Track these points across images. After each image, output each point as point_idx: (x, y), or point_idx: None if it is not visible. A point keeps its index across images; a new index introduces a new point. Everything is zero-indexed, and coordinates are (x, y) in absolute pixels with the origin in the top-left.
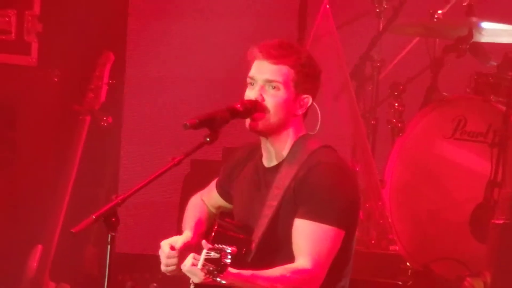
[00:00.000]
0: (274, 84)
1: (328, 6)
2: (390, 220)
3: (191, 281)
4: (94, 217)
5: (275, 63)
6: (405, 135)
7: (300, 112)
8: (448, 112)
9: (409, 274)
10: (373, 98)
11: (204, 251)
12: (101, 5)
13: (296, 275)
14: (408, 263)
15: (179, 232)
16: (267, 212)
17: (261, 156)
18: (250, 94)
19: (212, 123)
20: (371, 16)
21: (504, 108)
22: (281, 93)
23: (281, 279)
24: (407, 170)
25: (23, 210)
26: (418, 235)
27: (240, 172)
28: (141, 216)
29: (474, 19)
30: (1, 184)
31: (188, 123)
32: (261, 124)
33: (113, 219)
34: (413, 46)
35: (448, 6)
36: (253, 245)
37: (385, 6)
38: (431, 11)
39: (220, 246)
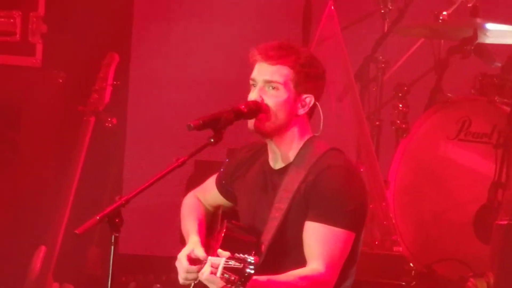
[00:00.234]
0: (273, 84)
1: (332, 8)
2: (394, 221)
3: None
4: (98, 218)
5: (273, 64)
6: (409, 136)
7: (302, 112)
8: (453, 113)
9: (412, 274)
10: (378, 99)
11: (223, 260)
12: (105, 6)
13: (310, 279)
14: (411, 264)
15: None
16: (276, 215)
17: (267, 157)
18: (251, 95)
19: (216, 124)
20: (376, 18)
21: (508, 109)
22: (281, 94)
23: (296, 283)
24: (411, 171)
25: (26, 211)
26: (421, 236)
27: (245, 172)
28: (145, 217)
29: (478, 20)
30: (6, 184)
31: (192, 124)
32: (262, 125)
33: (117, 220)
34: (418, 48)
35: (453, 7)
36: (263, 248)
37: (390, 8)
38: (435, 13)
39: (241, 256)
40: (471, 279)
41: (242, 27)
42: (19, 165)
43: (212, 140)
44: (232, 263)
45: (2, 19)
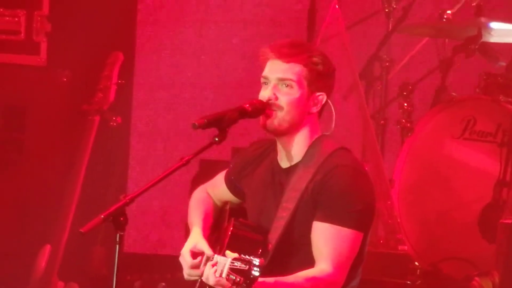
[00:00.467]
0: (287, 82)
1: (337, 7)
2: (398, 220)
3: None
4: (102, 216)
5: (287, 62)
6: (414, 135)
7: (315, 110)
8: (457, 112)
9: (417, 273)
10: (382, 98)
11: (229, 260)
12: (110, 5)
13: (318, 280)
14: (416, 263)
15: (187, 232)
16: (283, 214)
17: (276, 155)
18: (264, 93)
19: (220, 123)
20: (380, 17)
21: None
22: (295, 91)
23: (304, 284)
24: (416, 170)
25: (31, 210)
26: (426, 235)
27: (254, 169)
28: (150, 215)
29: (483, 20)
30: (11, 184)
31: (196, 123)
32: (274, 122)
33: (122, 219)
34: (422, 47)
35: (457, 6)
36: (270, 247)
37: (394, 7)
38: (440, 12)
39: (247, 257)
40: (476, 278)
41: (246, 27)
42: (23, 164)
43: (216, 139)
44: (238, 264)
45: (7, 18)
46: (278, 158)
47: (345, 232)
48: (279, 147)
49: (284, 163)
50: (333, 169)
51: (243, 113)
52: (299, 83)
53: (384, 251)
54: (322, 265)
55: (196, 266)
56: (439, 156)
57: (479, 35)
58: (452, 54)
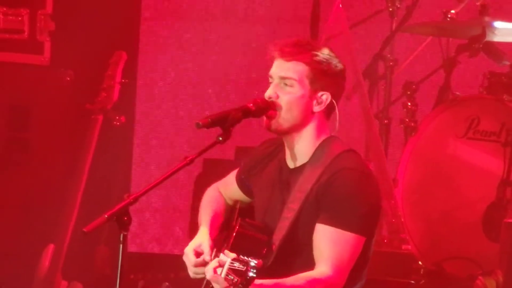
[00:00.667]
0: (287, 81)
1: (340, 6)
2: (402, 219)
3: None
4: (106, 216)
5: (289, 60)
6: (417, 134)
7: (318, 109)
8: (461, 111)
9: (421, 273)
10: (386, 98)
11: (228, 260)
12: (113, 4)
13: (317, 282)
14: (420, 262)
15: (191, 231)
16: (288, 215)
17: (284, 155)
18: (268, 91)
19: (224, 122)
20: (384, 16)
21: None
22: (295, 90)
23: (302, 286)
24: (420, 170)
25: (35, 209)
26: (430, 234)
27: (263, 168)
28: (153, 215)
29: (487, 19)
30: (14, 183)
31: (200, 122)
32: (275, 122)
33: (125, 218)
34: (426, 46)
35: (461, 5)
36: (274, 248)
37: (398, 6)
38: (444, 11)
39: (245, 258)
40: (480, 277)
41: (250, 26)
42: (27, 164)
43: (220, 139)
44: (237, 265)
45: (10, 17)
46: (286, 157)
47: (347, 235)
48: (286, 146)
49: (291, 163)
50: (338, 171)
51: (246, 113)
52: (300, 82)
53: (388, 250)
54: (322, 268)
55: (199, 265)
56: (443, 156)
57: (483, 34)
58: (456, 53)
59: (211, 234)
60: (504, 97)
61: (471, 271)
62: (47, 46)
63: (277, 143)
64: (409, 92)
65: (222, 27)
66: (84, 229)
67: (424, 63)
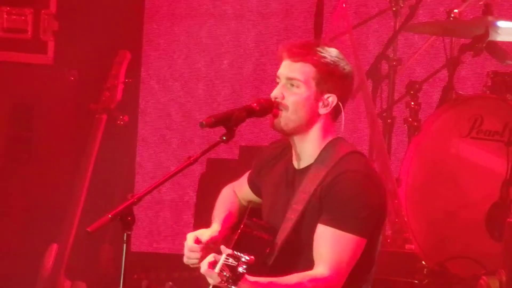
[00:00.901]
0: (294, 82)
1: (344, 5)
2: (406, 219)
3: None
4: (110, 216)
5: (296, 61)
6: (421, 134)
7: (324, 111)
8: (464, 111)
9: (424, 272)
10: (389, 97)
11: (223, 256)
12: (117, 4)
13: (314, 282)
14: (423, 262)
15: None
16: (292, 216)
17: (291, 156)
18: (273, 92)
19: (228, 122)
20: (388, 15)
21: None
22: (301, 91)
23: (299, 286)
24: (423, 169)
25: (39, 209)
26: (433, 234)
27: (271, 169)
28: (157, 215)
29: (490, 18)
30: (18, 183)
31: (204, 122)
32: (280, 122)
33: (129, 218)
34: (429, 45)
35: (464, 5)
36: (276, 248)
37: (402, 5)
38: (447, 10)
39: (238, 253)
40: (484, 277)
41: (253, 25)
42: (31, 163)
43: (224, 138)
44: (231, 260)
45: (14, 17)
46: (293, 158)
47: (347, 237)
48: (293, 147)
49: (297, 164)
50: (342, 173)
51: (250, 112)
52: (306, 83)
53: (391, 250)
54: (320, 268)
55: (194, 250)
56: (446, 155)
57: (487, 33)
58: (459, 52)
59: (221, 232)
60: (508, 96)
61: (474, 270)
62: (51, 45)
63: (285, 144)
64: (412, 92)
65: (226, 27)
66: (88, 229)
67: (428, 62)
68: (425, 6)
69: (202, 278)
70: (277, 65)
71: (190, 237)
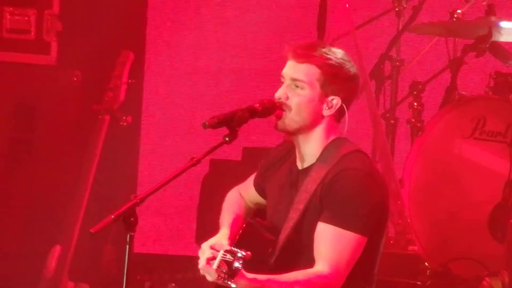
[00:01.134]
0: (298, 83)
1: (347, 6)
2: (409, 220)
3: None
4: (112, 217)
5: (301, 62)
6: (424, 134)
7: (328, 113)
8: (467, 111)
9: (427, 274)
10: (393, 98)
11: (221, 252)
12: (120, 4)
13: (312, 280)
14: (426, 263)
15: (198, 232)
16: (293, 215)
17: (295, 157)
18: (278, 91)
19: (231, 123)
20: (391, 16)
21: None
22: (305, 93)
23: (297, 283)
24: (426, 170)
25: (42, 210)
26: (436, 235)
27: (276, 170)
28: (160, 216)
29: (493, 19)
30: (21, 184)
31: (207, 122)
32: (283, 122)
33: (132, 219)
34: (433, 46)
35: (468, 5)
36: (277, 247)
37: (405, 6)
38: (450, 11)
39: (234, 249)
40: (486, 278)
41: (257, 26)
42: (33, 164)
43: (227, 139)
44: (228, 256)
45: (17, 17)
46: (297, 159)
47: (348, 235)
48: (296, 148)
49: (300, 164)
50: (342, 171)
51: (253, 113)
52: (310, 84)
53: (394, 251)
54: (320, 266)
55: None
56: (449, 156)
57: (490, 34)
58: (462, 53)
59: (231, 236)
60: (511, 97)
61: (477, 272)
62: (54, 46)
63: (290, 145)
64: (415, 92)
65: (229, 27)
66: (91, 230)
67: (431, 63)
68: (428, 7)
69: (205, 279)
70: (282, 66)
71: (207, 247)
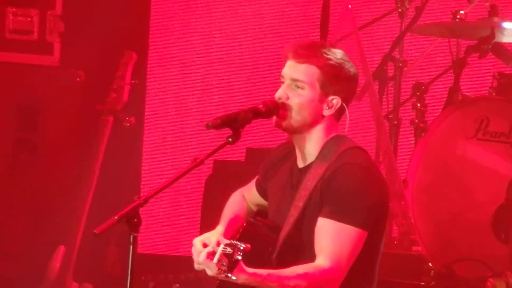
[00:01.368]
0: (298, 83)
1: (350, 7)
2: (412, 221)
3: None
4: (116, 217)
5: (301, 63)
6: (427, 135)
7: (328, 113)
8: (471, 112)
9: (431, 274)
10: (396, 99)
11: (221, 246)
12: (123, 4)
13: (313, 274)
14: (430, 264)
15: (202, 232)
16: (294, 212)
17: (296, 157)
18: (278, 92)
19: (234, 123)
20: (394, 17)
21: None
22: (306, 93)
23: (298, 278)
24: (430, 171)
25: (45, 210)
26: (440, 236)
27: (276, 171)
28: (164, 216)
29: (496, 20)
30: (24, 184)
31: (210, 123)
32: (284, 122)
33: (136, 220)
34: (435, 47)
35: (470, 6)
36: (278, 244)
37: (407, 7)
38: (453, 12)
39: (234, 242)
40: (490, 279)
41: (260, 26)
42: (37, 165)
43: (230, 140)
44: (228, 249)
45: (20, 18)
46: (297, 159)
47: (348, 229)
48: (296, 147)
49: (301, 163)
50: (341, 166)
51: (256, 114)
52: (311, 85)
53: (398, 252)
54: (320, 261)
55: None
56: (453, 157)
57: (492, 35)
58: (465, 54)
59: (226, 233)
60: None
61: (481, 272)
62: (57, 47)
63: (291, 145)
64: (418, 93)
65: (233, 28)
66: (95, 231)
67: (434, 64)
68: (431, 8)
69: (208, 280)
70: (283, 66)
71: (198, 242)
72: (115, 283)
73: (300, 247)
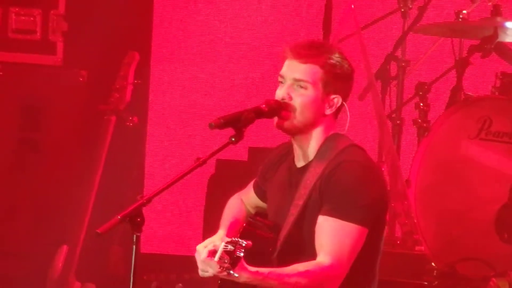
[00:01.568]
0: (302, 83)
1: (353, 6)
2: (415, 220)
3: (219, 281)
4: (119, 217)
5: (304, 62)
6: (430, 135)
7: (329, 112)
8: (473, 112)
9: (434, 274)
10: (398, 98)
11: (222, 244)
12: (126, 4)
13: (314, 272)
14: (433, 264)
15: (204, 232)
16: (294, 211)
17: (294, 156)
18: (279, 92)
19: (237, 123)
20: (396, 16)
21: None
22: (309, 93)
23: (299, 276)
24: (433, 170)
25: (48, 210)
26: (443, 235)
27: (274, 172)
28: (167, 216)
29: (499, 19)
30: (27, 184)
31: (213, 123)
32: (287, 123)
33: (138, 219)
34: (438, 46)
35: (473, 6)
36: (278, 244)
37: (410, 6)
38: (456, 11)
39: (235, 239)
40: (493, 279)
41: (262, 27)
42: (40, 165)
43: (233, 139)
44: (229, 246)
45: (23, 18)
46: (295, 158)
47: (348, 226)
48: (295, 147)
49: (299, 163)
50: (340, 164)
51: (259, 113)
52: (314, 84)
53: (401, 251)
54: (321, 258)
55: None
56: (456, 157)
57: (495, 34)
58: (468, 54)
59: (228, 237)
60: None
61: (484, 272)
62: (60, 46)
63: (289, 146)
64: (421, 93)
65: (235, 28)
66: (98, 230)
67: (436, 63)
68: (433, 7)
69: (212, 280)
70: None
71: (202, 248)
72: (118, 283)
73: (301, 246)
